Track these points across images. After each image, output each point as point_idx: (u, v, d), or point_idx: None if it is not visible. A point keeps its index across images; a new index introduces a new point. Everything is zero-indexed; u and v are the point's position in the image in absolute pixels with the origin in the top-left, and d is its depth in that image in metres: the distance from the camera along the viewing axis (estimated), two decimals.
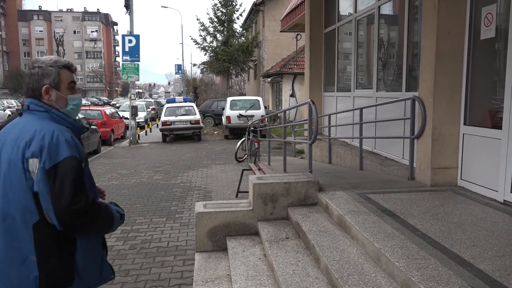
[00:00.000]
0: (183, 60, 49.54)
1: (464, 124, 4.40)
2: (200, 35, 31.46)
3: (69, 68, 2.01)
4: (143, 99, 40.27)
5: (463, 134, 4.41)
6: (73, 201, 1.70)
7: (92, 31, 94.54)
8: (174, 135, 17.29)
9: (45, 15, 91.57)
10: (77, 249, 1.84)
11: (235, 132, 17.10)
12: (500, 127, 3.86)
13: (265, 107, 19.78)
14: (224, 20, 30.82)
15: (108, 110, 17.79)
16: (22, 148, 1.76)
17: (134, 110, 16.52)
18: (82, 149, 1.89)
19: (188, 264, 4.38)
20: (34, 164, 1.74)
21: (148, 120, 22.61)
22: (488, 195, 4.02)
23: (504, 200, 3.81)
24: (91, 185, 1.96)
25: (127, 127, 18.17)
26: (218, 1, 30.86)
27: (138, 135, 17.41)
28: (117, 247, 4.94)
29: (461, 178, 4.46)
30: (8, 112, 29.09)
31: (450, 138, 4.45)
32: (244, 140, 11.42)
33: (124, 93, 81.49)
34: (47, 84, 1.91)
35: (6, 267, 1.80)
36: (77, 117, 2.09)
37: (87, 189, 1.81)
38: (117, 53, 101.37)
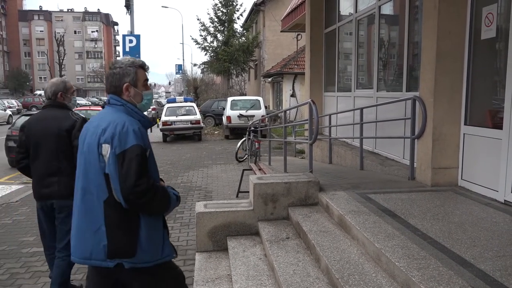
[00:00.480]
0: (183, 60, 49.57)
1: (465, 124, 4.40)
2: (201, 35, 31.49)
3: (143, 67, 2.33)
4: None
5: (464, 134, 4.41)
6: (136, 183, 2.01)
7: (92, 31, 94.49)
8: (174, 135, 17.30)
9: (46, 15, 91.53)
10: (141, 227, 2.13)
11: (236, 132, 17.10)
12: (500, 127, 3.86)
13: (266, 107, 19.78)
14: (224, 20, 30.83)
15: None
16: (98, 134, 2.10)
17: None
18: (148, 140, 2.19)
19: (188, 264, 4.38)
20: (106, 149, 2.06)
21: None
22: (488, 195, 4.01)
23: (504, 200, 3.81)
24: (155, 170, 2.26)
25: None
26: (218, 1, 30.87)
27: None
28: None
29: (461, 178, 4.46)
30: (9, 112, 29.07)
31: (450, 138, 4.45)
32: (245, 140, 11.42)
33: None
34: (127, 82, 2.24)
35: (85, 234, 2.15)
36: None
37: (149, 174, 2.11)
38: (117, 53, 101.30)
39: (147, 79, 2.34)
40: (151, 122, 2.35)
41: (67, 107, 3.51)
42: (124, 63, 2.26)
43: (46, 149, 3.35)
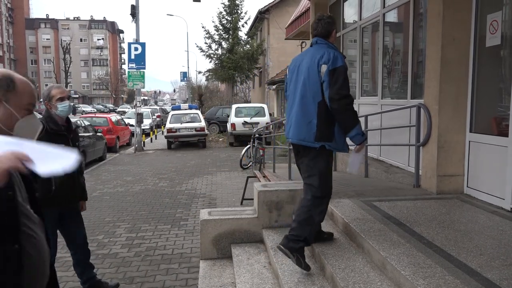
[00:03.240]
0: (188, 67, 49.54)
1: (470, 131, 4.38)
2: (206, 43, 31.57)
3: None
4: (148, 106, 40.45)
5: (469, 141, 4.39)
6: (338, 91, 2.94)
7: (98, 39, 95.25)
8: (179, 142, 17.33)
9: (52, 23, 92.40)
10: (335, 124, 3.04)
11: (240, 139, 17.10)
12: (506, 135, 3.84)
13: (270, 114, 19.79)
14: (229, 27, 30.93)
15: (114, 117, 17.88)
16: (317, 59, 3.05)
17: (140, 117, 16.59)
18: (346, 64, 3.05)
19: (192, 272, 4.37)
20: (324, 68, 3.00)
21: (154, 127, 22.68)
22: (495, 203, 3.99)
23: (511, 208, 3.78)
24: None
25: (132, 134, 18.25)
26: (223, 9, 31.02)
27: (143, 142, 17.46)
28: (122, 254, 4.94)
29: (467, 186, 4.44)
30: None
31: (456, 145, 4.43)
32: (249, 147, 11.42)
33: (130, 100, 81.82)
34: (334, 29, 3.26)
35: (301, 124, 3.11)
36: None
37: (348, 88, 3.00)
38: (123, 60, 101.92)
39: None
40: (343, 55, 3.15)
41: (47, 115, 3.33)
42: (329, 16, 3.29)
43: None
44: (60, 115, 3.34)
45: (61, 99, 3.32)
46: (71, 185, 3.44)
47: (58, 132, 3.25)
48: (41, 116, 3.38)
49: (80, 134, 3.81)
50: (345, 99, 2.94)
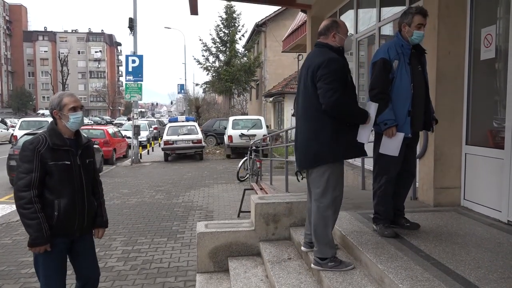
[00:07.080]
0: (185, 79, 49.87)
1: (466, 144, 4.40)
2: (203, 55, 31.82)
3: (421, 13, 3.30)
4: (145, 118, 40.45)
5: (465, 154, 4.40)
6: (372, 84, 3.35)
7: (96, 51, 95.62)
8: (176, 154, 17.31)
9: (50, 35, 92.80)
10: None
11: (237, 152, 17.12)
12: (502, 147, 3.86)
13: (267, 127, 19.83)
14: (226, 40, 31.20)
15: (111, 129, 17.86)
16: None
17: (137, 129, 16.58)
18: (396, 54, 3.32)
19: (189, 286, 4.33)
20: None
21: (151, 139, 22.64)
22: (491, 215, 3.98)
23: (508, 220, 3.78)
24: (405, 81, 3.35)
25: (129, 146, 18.22)
26: (220, 22, 31.31)
27: (140, 154, 17.43)
28: (118, 267, 4.89)
29: (464, 198, 4.44)
30: (11, 131, 29.18)
31: (452, 158, 4.44)
32: (246, 159, 11.41)
33: (127, 112, 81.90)
34: (404, 22, 3.33)
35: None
36: None
37: (382, 82, 3.32)
38: (120, 72, 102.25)
39: (420, 23, 3.30)
40: (411, 46, 3.32)
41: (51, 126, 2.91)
42: (411, 7, 3.39)
43: None
44: (71, 128, 2.89)
45: (74, 109, 2.85)
46: (80, 212, 2.94)
47: (62, 147, 2.84)
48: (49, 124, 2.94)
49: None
50: (372, 91, 3.34)
